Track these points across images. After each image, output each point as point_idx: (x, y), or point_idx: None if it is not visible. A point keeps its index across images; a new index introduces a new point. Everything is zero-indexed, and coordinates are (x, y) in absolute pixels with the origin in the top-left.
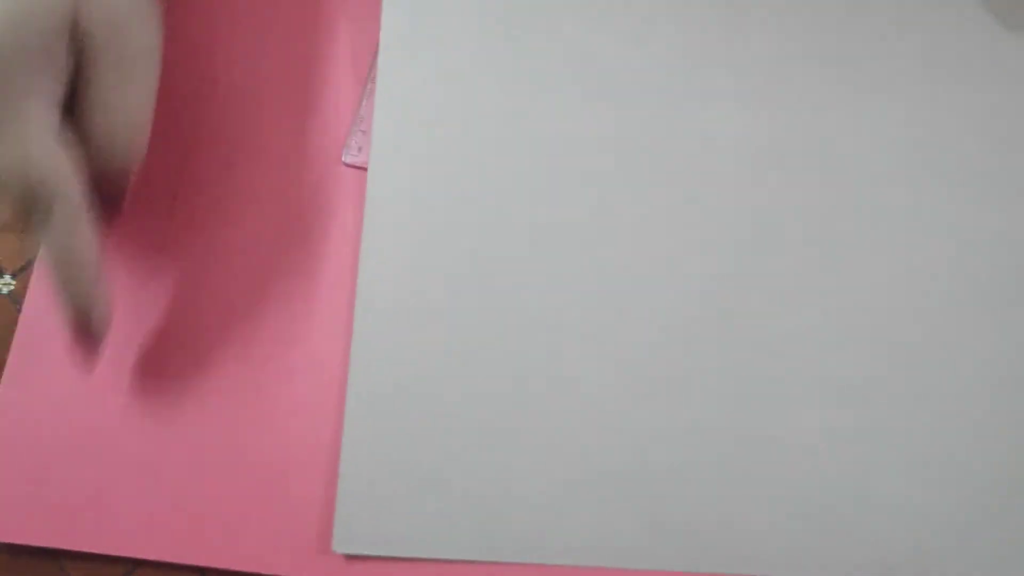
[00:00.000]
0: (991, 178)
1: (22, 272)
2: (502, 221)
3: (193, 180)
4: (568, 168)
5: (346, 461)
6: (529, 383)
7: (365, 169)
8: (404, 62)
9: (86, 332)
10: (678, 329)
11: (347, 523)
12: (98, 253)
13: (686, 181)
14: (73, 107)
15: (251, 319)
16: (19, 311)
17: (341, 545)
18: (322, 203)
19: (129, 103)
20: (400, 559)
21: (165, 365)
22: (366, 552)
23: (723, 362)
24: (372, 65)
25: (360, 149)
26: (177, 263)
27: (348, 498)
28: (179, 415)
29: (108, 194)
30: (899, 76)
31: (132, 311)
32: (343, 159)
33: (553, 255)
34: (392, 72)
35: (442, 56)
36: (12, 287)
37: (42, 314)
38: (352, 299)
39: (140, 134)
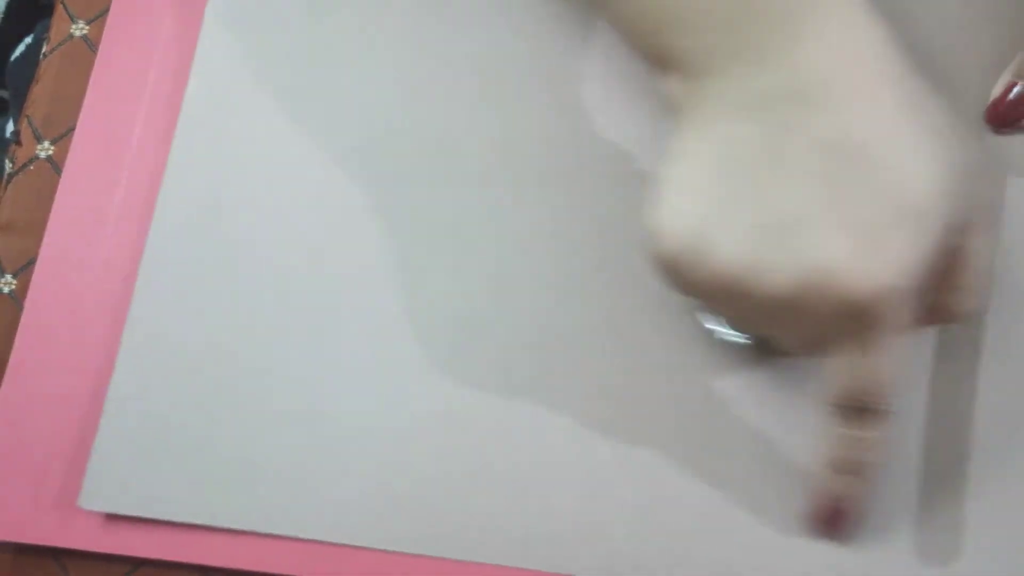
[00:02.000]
0: None
1: (23, 271)
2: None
3: None
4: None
5: (107, 418)
6: (292, 362)
7: None
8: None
9: (833, 516)
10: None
11: (98, 480)
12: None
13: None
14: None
15: None
16: (20, 310)
17: (88, 501)
18: None
19: (988, 252)
20: (165, 524)
21: None
22: (113, 510)
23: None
24: None
25: None
26: None
27: (103, 455)
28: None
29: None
30: None
31: None
32: None
33: (324, 244)
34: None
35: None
36: (13, 286)
37: (44, 313)
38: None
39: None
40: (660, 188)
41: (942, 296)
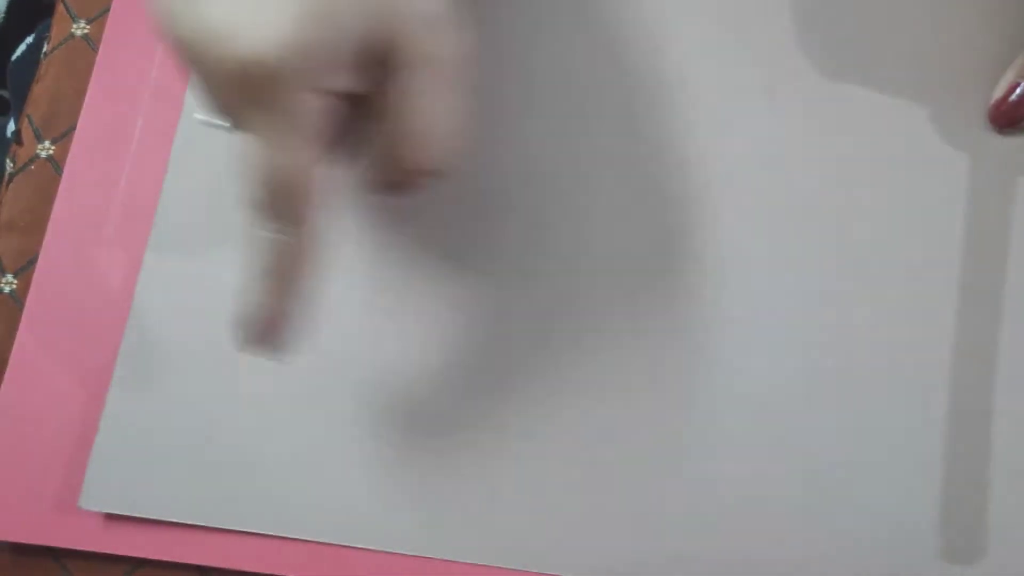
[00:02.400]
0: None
1: (24, 271)
2: None
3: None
4: None
5: (107, 418)
6: (290, 360)
7: None
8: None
9: (263, 331)
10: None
11: (98, 480)
12: (313, 276)
13: None
14: (370, 111)
15: None
16: (21, 310)
17: (88, 502)
18: None
19: (442, 108)
20: (164, 524)
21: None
22: (112, 510)
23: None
24: None
25: None
26: None
27: (102, 456)
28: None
29: (399, 192)
30: None
31: None
32: None
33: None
34: None
35: None
36: (14, 286)
37: (44, 313)
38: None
39: (453, 139)
40: None
41: (394, 142)
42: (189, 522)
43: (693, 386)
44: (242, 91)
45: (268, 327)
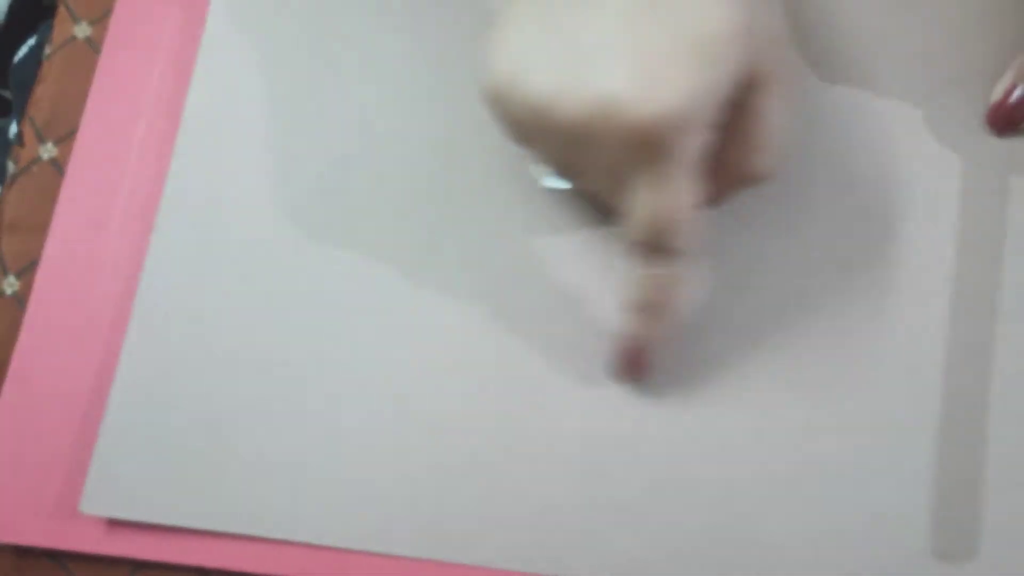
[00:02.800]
0: None
1: (26, 272)
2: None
3: None
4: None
5: (108, 422)
6: (294, 367)
7: None
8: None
9: (638, 361)
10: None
11: (99, 485)
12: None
13: None
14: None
15: None
16: (23, 311)
17: (89, 506)
18: None
19: (782, 120)
20: (166, 526)
21: None
22: (114, 515)
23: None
24: None
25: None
26: None
27: (103, 461)
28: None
29: (719, 203)
30: None
31: None
32: None
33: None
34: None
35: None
36: (16, 288)
37: (46, 315)
38: None
39: (784, 147)
40: (494, 29)
41: (738, 155)
42: (190, 526)
43: (688, 385)
44: (634, 153)
45: (642, 357)
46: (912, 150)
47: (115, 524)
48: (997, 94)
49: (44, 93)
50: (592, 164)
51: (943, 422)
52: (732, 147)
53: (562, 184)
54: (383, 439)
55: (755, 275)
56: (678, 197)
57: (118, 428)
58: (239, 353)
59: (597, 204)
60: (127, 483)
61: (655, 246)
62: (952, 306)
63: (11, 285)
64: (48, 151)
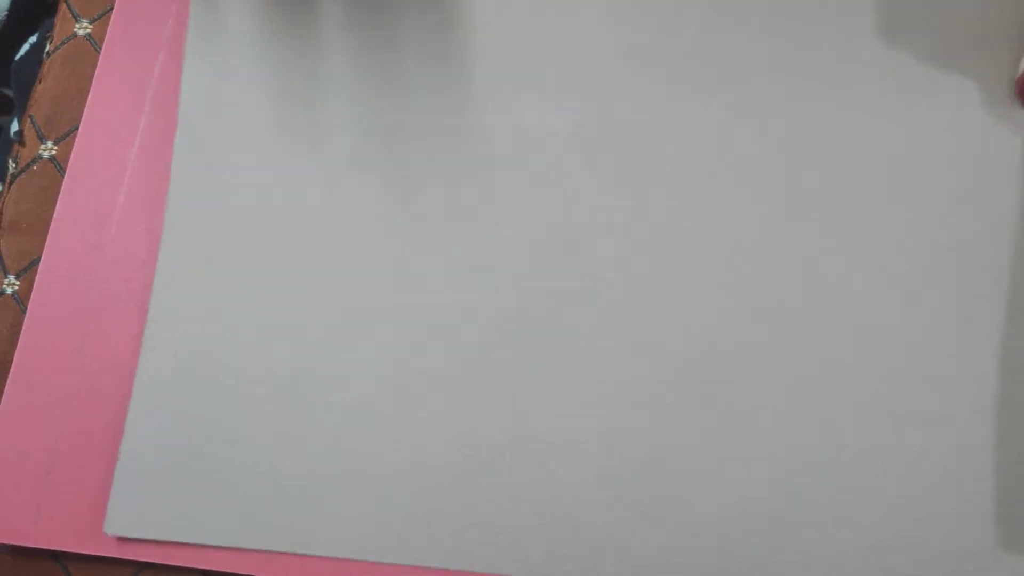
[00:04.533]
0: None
1: (27, 272)
2: (284, 228)
3: None
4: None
5: (127, 445)
6: (305, 382)
7: None
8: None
9: None
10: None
11: (121, 506)
12: None
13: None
14: None
15: None
16: (23, 311)
17: (113, 527)
18: None
19: None
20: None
21: None
22: (138, 535)
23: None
24: None
25: None
26: None
27: (124, 481)
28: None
29: None
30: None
31: None
32: None
33: (332, 255)
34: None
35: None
36: (16, 287)
37: (47, 314)
38: None
39: None
40: None
41: None
42: (213, 544)
43: (727, 374)
44: None
45: None
46: (939, 122)
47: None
48: (1023, 67)
49: (44, 91)
50: None
51: (1000, 409)
52: None
53: None
54: (397, 453)
55: (792, 265)
56: None
57: (137, 447)
58: (253, 370)
59: None
60: (147, 503)
61: None
62: (999, 286)
63: (11, 284)
64: (48, 150)
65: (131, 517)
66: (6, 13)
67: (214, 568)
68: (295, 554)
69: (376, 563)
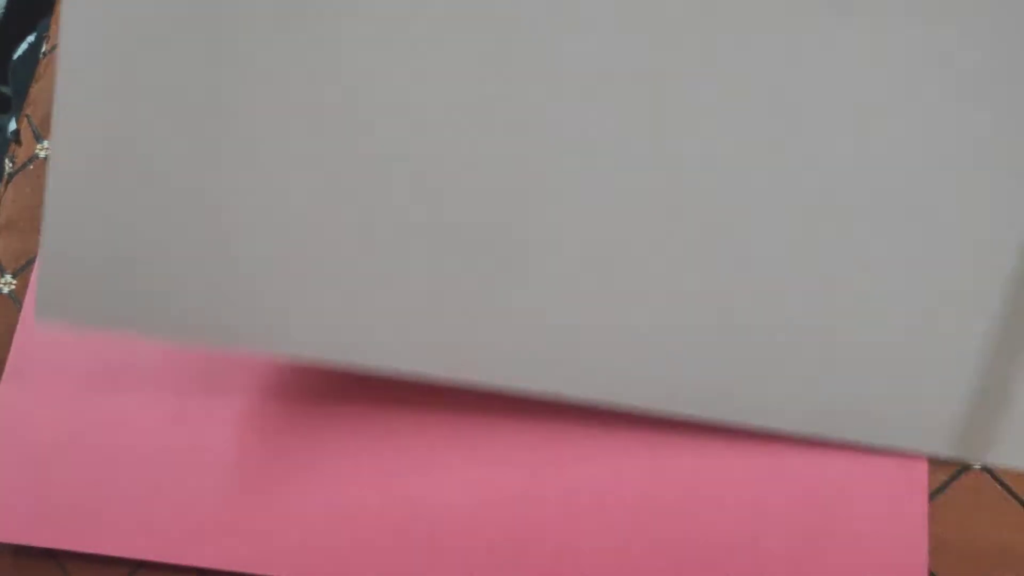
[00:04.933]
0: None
1: (23, 271)
2: None
3: None
4: None
5: (49, 226)
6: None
7: None
8: None
9: None
10: None
11: (48, 291)
12: None
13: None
14: None
15: None
16: (20, 310)
17: (43, 312)
18: None
19: None
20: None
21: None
22: (66, 320)
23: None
24: None
25: None
26: None
27: (50, 265)
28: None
29: None
30: None
31: None
32: None
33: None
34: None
35: None
36: (13, 286)
37: None
38: None
39: None
40: None
41: None
42: (153, 334)
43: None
44: None
45: None
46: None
47: (114, 524)
48: None
49: (41, 91)
50: None
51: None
52: None
53: None
54: (383, 241)
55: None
56: None
57: (62, 234)
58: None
59: None
60: (81, 286)
61: None
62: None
63: (8, 284)
64: (45, 149)
65: (63, 303)
66: (2, 10)
67: (212, 567)
68: (285, 545)
69: (366, 547)
